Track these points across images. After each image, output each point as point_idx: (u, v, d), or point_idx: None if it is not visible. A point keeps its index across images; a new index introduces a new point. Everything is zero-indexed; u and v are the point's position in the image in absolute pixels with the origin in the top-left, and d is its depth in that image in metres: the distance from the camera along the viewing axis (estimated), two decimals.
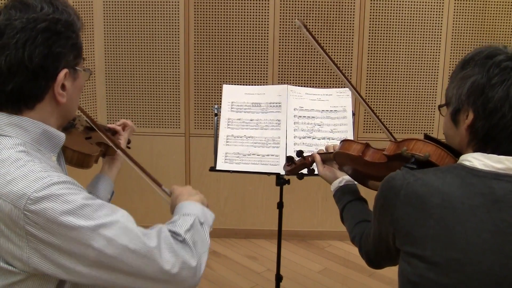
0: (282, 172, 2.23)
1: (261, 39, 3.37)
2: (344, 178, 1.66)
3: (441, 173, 1.16)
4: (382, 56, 3.39)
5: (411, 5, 3.31)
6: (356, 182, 1.66)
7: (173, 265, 1.04)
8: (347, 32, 3.35)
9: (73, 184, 1.04)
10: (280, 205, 2.40)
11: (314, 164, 1.79)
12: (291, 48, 3.38)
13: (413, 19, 3.33)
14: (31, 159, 1.04)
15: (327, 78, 3.41)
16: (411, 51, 3.38)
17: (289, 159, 1.92)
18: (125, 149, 1.57)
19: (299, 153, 1.88)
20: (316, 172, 1.79)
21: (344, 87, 2.45)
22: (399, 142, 1.35)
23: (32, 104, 1.10)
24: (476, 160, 1.15)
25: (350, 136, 2.27)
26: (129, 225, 1.04)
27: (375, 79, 3.42)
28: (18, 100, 1.08)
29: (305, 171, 1.92)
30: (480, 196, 1.11)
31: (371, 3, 3.31)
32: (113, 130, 1.72)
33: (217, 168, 2.26)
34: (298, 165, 1.89)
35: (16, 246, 1.01)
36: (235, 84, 3.31)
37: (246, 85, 3.30)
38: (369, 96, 3.43)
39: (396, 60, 3.40)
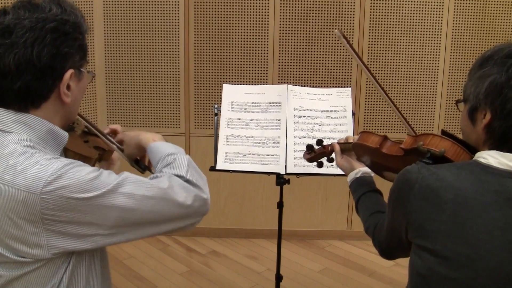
0: (282, 172, 2.24)
1: (261, 39, 3.37)
2: (360, 169, 1.66)
3: (456, 169, 1.16)
4: (382, 56, 3.39)
5: (411, 5, 3.31)
6: (372, 174, 1.67)
7: (186, 198, 1.16)
8: (347, 32, 3.35)
9: (79, 162, 1.09)
10: (280, 205, 2.40)
11: (333, 154, 1.80)
12: (291, 48, 3.38)
13: (413, 19, 3.33)
14: (37, 151, 1.07)
15: (327, 78, 3.41)
16: (411, 51, 3.38)
17: (309, 147, 1.93)
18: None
19: (319, 141, 1.90)
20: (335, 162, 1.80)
21: (346, 86, 2.44)
22: (416, 136, 1.35)
23: (38, 103, 1.12)
24: (491, 157, 1.15)
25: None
26: (139, 177, 1.13)
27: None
28: (25, 98, 1.10)
29: (324, 159, 1.93)
30: (493, 193, 1.11)
31: (371, 3, 3.31)
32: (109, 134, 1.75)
33: (217, 167, 2.26)
34: (317, 153, 1.91)
35: (31, 234, 1.03)
36: (235, 84, 3.31)
37: (246, 85, 3.30)
38: (369, 96, 3.43)
39: (396, 60, 3.40)
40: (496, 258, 1.09)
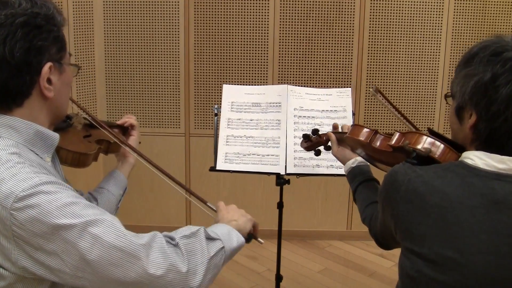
0: (282, 172, 2.24)
1: (261, 39, 3.37)
2: (356, 159, 1.67)
3: (442, 171, 1.15)
4: (382, 56, 3.39)
5: (411, 5, 3.31)
6: (368, 163, 1.67)
7: (159, 267, 1.04)
8: (347, 32, 3.35)
9: (61, 184, 1.04)
10: (280, 205, 2.40)
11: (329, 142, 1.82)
12: (291, 48, 3.38)
13: (413, 19, 3.33)
14: (22, 161, 1.04)
15: (327, 78, 3.41)
16: (411, 51, 3.38)
17: (305, 136, 1.97)
18: (134, 147, 1.58)
19: (315, 131, 1.93)
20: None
21: (346, 86, 2.44)
22: (404, 134, 1.34)
23: (20, 100, 1.09)
24: (478, 158, 1.13)
25: None
26: (116, 224, 1.04)
27: (375, 79, 3.42)
28: (5, 97, 1.08)
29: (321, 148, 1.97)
30: (480, 196, 1.10)
31: (371, 3, 3.31)
32: (121, 127, 1.72)
33: (217, 168, 2.26)
34: (314, 142, 1.94)
35: (5, 248, 1.00)
36: (235, 84, 3.31)
37: (246, 85, 3.30)
38: (369, 95, 3.43)
39: (396, 60, 3.39)
40: (483, 262, 1.08)
